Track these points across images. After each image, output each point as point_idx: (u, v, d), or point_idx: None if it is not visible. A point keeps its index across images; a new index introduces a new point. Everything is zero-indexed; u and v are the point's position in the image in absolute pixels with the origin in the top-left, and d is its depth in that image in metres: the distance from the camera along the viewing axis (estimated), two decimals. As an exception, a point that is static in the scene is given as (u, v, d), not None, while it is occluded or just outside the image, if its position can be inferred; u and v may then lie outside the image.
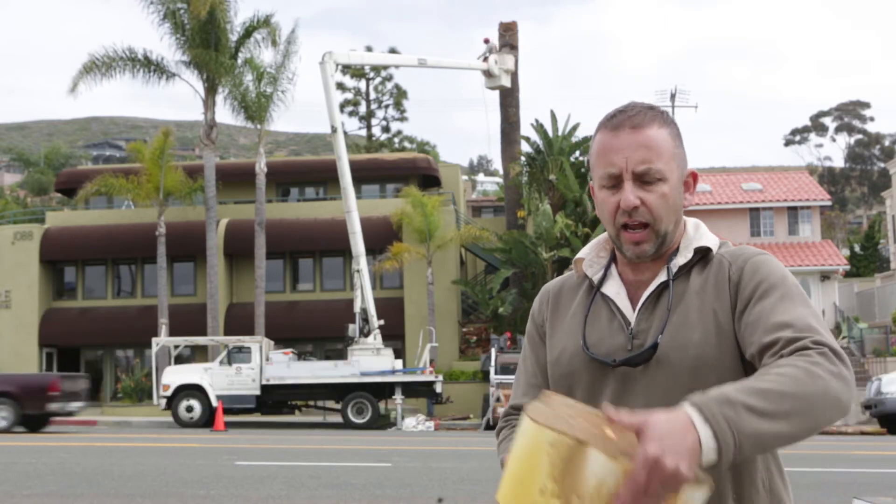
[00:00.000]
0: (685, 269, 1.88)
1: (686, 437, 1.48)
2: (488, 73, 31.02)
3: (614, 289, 1.94)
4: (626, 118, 1.85)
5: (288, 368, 25.32)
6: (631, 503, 1.42)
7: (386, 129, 58.86)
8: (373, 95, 58.16)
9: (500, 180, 51.20)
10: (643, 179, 1.82)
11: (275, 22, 32.02)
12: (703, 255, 1.89)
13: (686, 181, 1.90)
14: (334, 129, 26.51)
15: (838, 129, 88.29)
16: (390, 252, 31.42)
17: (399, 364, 26.10)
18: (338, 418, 25.68)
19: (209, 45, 30.74)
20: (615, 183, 1.83)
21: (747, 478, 1.83)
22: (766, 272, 1.81)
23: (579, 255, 2.02)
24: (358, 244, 26.24)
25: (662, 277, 1.88)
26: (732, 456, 1.52)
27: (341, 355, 28.66)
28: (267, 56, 33.14)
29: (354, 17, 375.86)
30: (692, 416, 1.51)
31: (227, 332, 32.36)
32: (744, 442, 1.52)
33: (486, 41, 31.10)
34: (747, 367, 1.79)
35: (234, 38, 31.91)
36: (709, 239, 1.90)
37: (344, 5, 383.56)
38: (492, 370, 25.73)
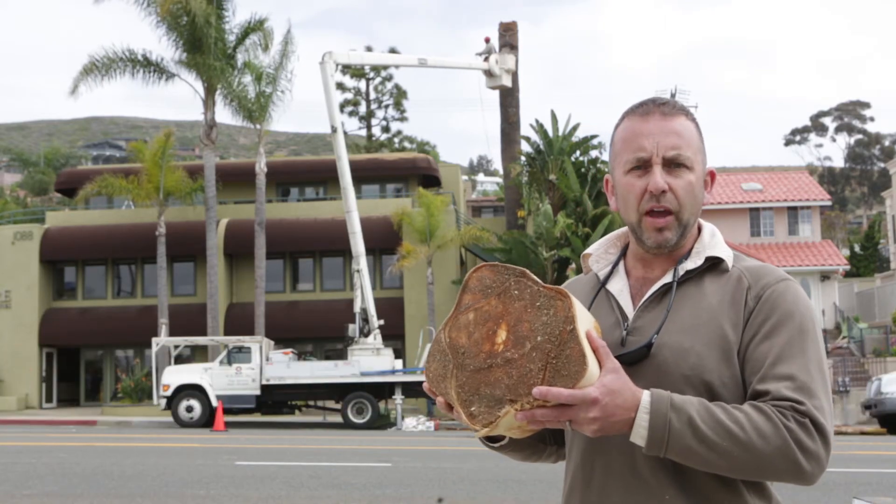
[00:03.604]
0: (694, 274, 1.87)
1: (625, 412, 1.62)
2: (489, 73, 31.01)
3: (618, 285, 1.94)
4: (656, 106, 1.87)
5: (288, 368, 25.28)
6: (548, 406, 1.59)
7: (386, 129, 58.82)
8: (373, 95, 58.15)
9: (500, 180, 51.17)
10: (672, 165, 1.83)
11: (268, 26, 32.17)
12: (713, 263, 1.88)
13: (705, 179, 1.91)
14: (334, 129, 26.48)
15: (838, 129, 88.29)
16: (402, 251, 31.37)
17: (399, 364, 26.05)
18: (338, 418, 25.66)
19: (202, 47, 30.67)
20: (643, 168, 1.84)
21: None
22: (781, 305, 1.79)
23: (587, 250, 2.03)
24: (358, 244, 26.22)
25: (669, 278, 1.88)
26: (656, 454, 1.66)
27: (341, 355, 28.63)
28: (266, 56, 33.19)
29: (353, 17, 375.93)
30: (643, 402, 1.64)
31: (227, 332, 32.34)
32: (671, 451, 1.65)
33: (487, 40, 31.09)
34: (747, 391, 1.78)
35: (231, 38, 31.95)
36: (723, 250, 1.89)
37: (343, 5, 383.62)
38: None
